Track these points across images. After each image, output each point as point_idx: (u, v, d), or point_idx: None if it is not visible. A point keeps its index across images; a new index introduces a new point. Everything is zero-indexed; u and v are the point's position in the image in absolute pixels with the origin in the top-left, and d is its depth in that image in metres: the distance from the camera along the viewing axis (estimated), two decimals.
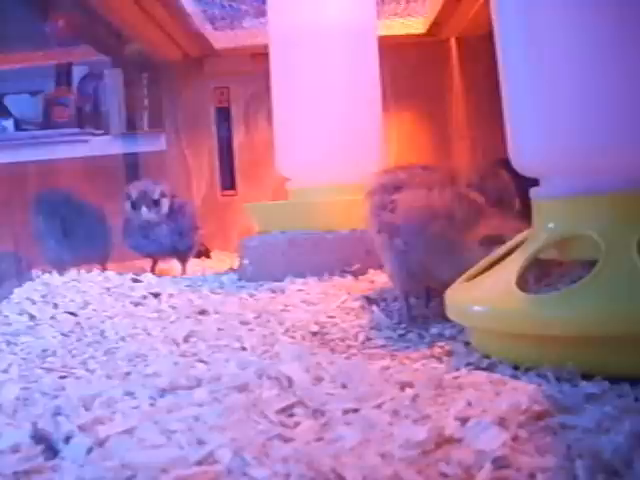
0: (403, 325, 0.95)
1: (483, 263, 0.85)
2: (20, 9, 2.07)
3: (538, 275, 0.78)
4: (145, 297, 1.25)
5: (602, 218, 0.71)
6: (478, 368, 0.72)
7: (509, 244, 0.84)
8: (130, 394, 0.68)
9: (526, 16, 0.75)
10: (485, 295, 0.75)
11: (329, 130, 1.50)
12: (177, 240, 1.64)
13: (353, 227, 1.37)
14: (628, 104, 0.69)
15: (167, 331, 0.98)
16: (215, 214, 2.18)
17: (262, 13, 1.81)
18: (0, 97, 2.31)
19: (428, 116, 2.20)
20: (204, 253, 1.95)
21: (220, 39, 2.12)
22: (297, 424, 0.57)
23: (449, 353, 0.79)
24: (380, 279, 1.28)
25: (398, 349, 0.84)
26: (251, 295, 1.22)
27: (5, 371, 0.82)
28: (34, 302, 1.23)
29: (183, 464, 0.49)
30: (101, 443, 0.55)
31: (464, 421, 0.54)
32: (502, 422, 0.52)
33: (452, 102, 2.20)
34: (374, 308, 1.05)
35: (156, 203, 1.61)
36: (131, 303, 1.20)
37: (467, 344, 0.81)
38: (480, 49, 1.96)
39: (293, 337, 0.92)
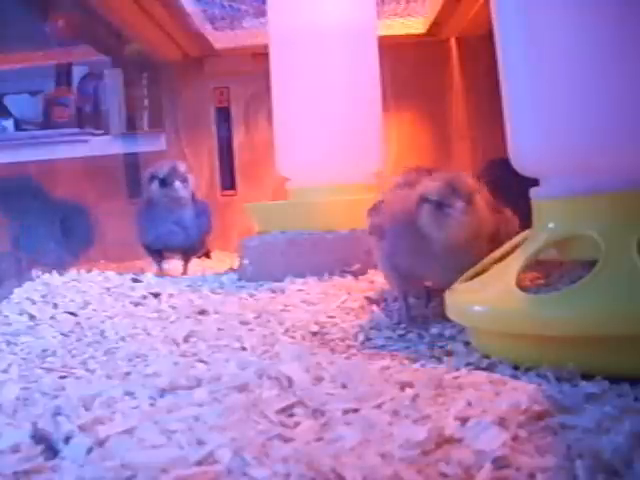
0: (403, 325, 0.95)
1: (483, 263, 0.85)
2: (20, 9, 2.07)
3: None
4: (145, 297, 1.25)
5: (602, 218, 0.71)
6: (478, 368, 0.72)
7: (509, 244, 0.84)
8: (130, 394, 0.68)
9: (526, 16, 0.75)
10: (485, 295, 0.75)
11: (329, 130, 1.50)
12: (200, 235, 1.63)
13: (353, 227, 1.37)
14: (628, 104, 0.69)
15: (167, 331, 0.98)
16: (215, 214, 2.18)
17: (262, 13, 1.81)
18: (0, 97, 2.31)
19: (428, 116, 2.20)
20: (204, 253, 1.95)
21: (220, 39, 2.12)
22: (297, 424, 0.57)
23: (449, 353, 0.79)
24: (380, 279, 1.27)
25: (398, 349, 0.84)
26: (251, 295, 1.22)
27: (5, 371, 0.82)
28: (34, 302, 1.23)
29: (183, 464, 0.49)
30: (101, 443, 0.55)
31: (464, 421, 0.54)
32: (502, 422, 0.52)
33: (452, 102, 2.20)
34: (374, 308, 1.06)
35: (185, 179, 1.56)
36: (131, 303, 1.20)
37: (467, 344, 0.81)
38: (480, 49, 1.96)
39: (293, 337, 0.92)
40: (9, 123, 2.25)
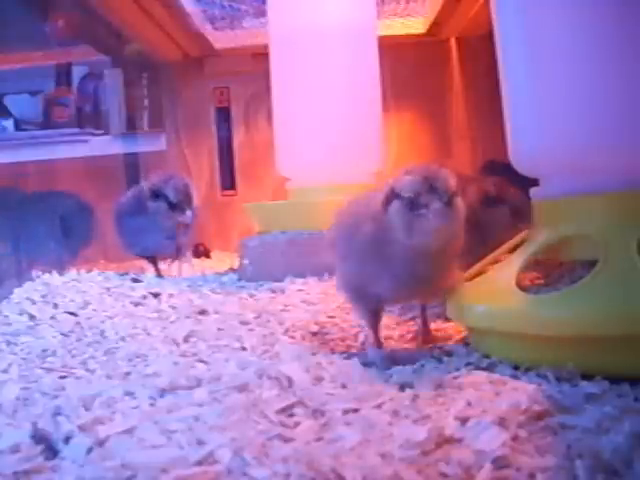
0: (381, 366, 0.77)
1: (483, 263, 0.85)
2: (20, 9, 2.07)
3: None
4: (145, 297, 1.25)
5: (602, 218, 0.71)
6: (478, 368, 0.72)
7: (509, 244, 0.84)
8: (130, 394, 0.68)
9: (525, 17, 0.75)
10: (485, 295, 0.75)
11: (329, 130, 1.50)
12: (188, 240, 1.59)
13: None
14: (627, 104, 0.69)
15: (167, 331, 0.98)
16: (215, 214, 2.18)
17: (262, 13, 1.81)
18: (0, 97, 2.31)
19: (428, 116, 2.20)
20: (204, 253, 1.95)
21: (220, 39, 2.12)
22: (297, 424, 0.57)
23: (449, 353, 0.79)
24: None
25: (398, 349, 0.83)
26: (251, 295, 1.22)
27: (5, 371, 0.82)
28: (34, 302, 1.23)
29: (183, 464, 0.49)
30: (101, 443, 0.55)
31: (464, 421, 0.54)
32: (502, 422, 0.52)
33: (452, 102, 2.20)
34: None
35: (192, 201, 1.48)
36: (131, 303, 1.20)
37: (467, 344, 0.81)
38: (480, 49, 1.97)
39: (293, 337, 0.92)
40: (9, 123, 2.25)
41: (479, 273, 0.84)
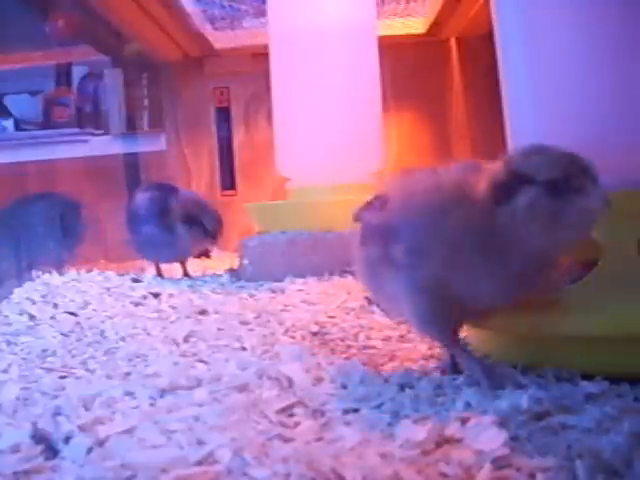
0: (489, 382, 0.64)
1: None
2: (20, 9, 2.07)
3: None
4: (145, 297, 1.25)
5: (602, 218, 0.71)
6: None
7: None
8: (130, 394, 0.68)
9: (526, 16, 0.75)
10: None
11: (329, 130, 1.50)
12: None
13: (353, 227, 1.37)
14: (627, 104, 0.70)
15: (167, 331, 0.98)
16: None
17: (262, 13, 1.81)
18: (0, 97, 2.31)
19: (428, 116, 2.20)
20: (204, 253, 1.95)
21: (220, 39, 2.12)
22: (297, 424, 0.57)
23: None
24: None
25: (398, 349, 0.84)
26: (251, 295, 1.22)
27: (5, 371, 0.82)
28: (34, 302, 1.23)
29: (183, 464, 0.49)
30: (101, 443, 0.55)
31: (464, 421, 0.54)
32: (502, 422, 0.52)
33: (452, 102, 2.20)
34: (374, 308, 1.05)
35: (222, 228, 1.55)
36: (131, 303, 1.20)
37: (467, 344, 0.81)
38: (480, 49, 1.96)
39: (293, 337, 0.92)
40: (9, 123, 2.26)
41: None
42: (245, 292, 1.25)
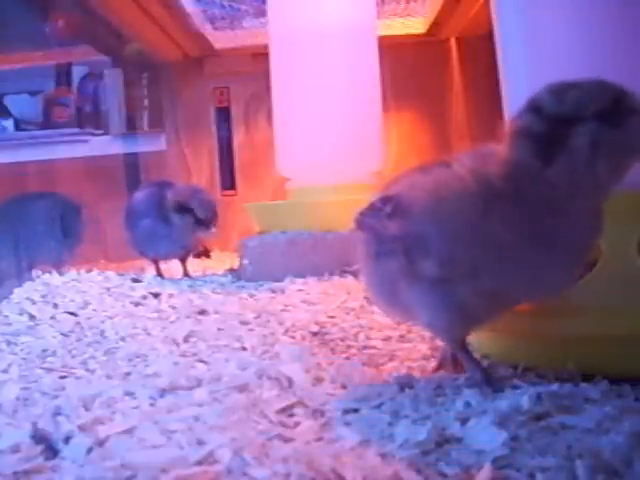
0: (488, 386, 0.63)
1: None
2: (20, 9, 2.07)
3: None
4: (145, 297, 1.25)
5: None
6: None
7: None
8: (130, 394, 0.68)
9: (526, 16, 0.75)
10: None
11: (329, 130, 1.50)
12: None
13: (353, 227, 1.37)
14: None
15: (167, 331, 0.98)
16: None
17: (262, 13, 1.81)
18: (0, 97, 2.31)
19: (428, 116, 2.20)
20: (204, 253, 1.95)
21: (220, 39, 2.12)
22: (297, 424, 0.57)
23: None
24: None
25: (398, 349, 0.84)
26: (251, 295, 1.22)
27: (5, 371, 0.82)
28: (34, 302, 1.23)
29: (183, 464, 0.49)
30: (101, 443, 0.55)
31: (464, 421, 0.54)
32: (502, 422, 0.52)
33: (452, 102, 2.20)
34: (374, 308, 1.05)
35: (217, 217, 1.51)
36: (131, 303, 1.21)
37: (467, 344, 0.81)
38: (480, 49, 1.96)
39: (293, 337, 0.92)
40: (9, 123, 2.26)
41: None
42: (245, 292, 1.25)
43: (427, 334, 0.88)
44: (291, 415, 0.59)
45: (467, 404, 0.58)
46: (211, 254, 2.00)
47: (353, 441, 0.52)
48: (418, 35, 2.16)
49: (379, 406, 0.60)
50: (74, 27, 2.13)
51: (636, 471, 0.44)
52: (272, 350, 0.84)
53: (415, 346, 0.84)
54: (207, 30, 2.03)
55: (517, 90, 0.78)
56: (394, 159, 1.98)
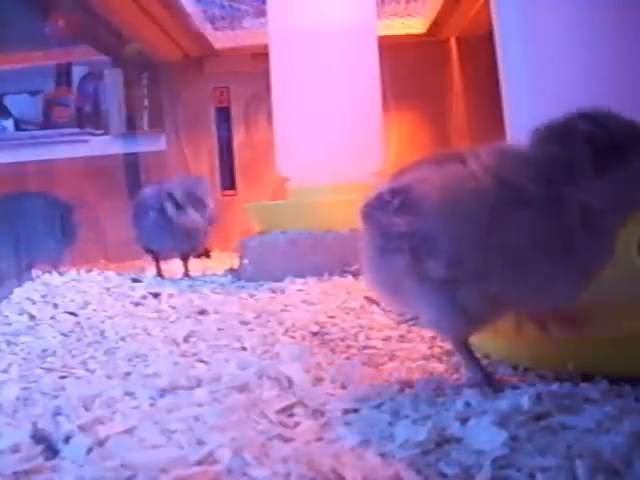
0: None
1: None
2: (20, 9, 2.07)
3: None
4: (145, 297, 1.25)
5: None
6: None
7: None
8: (130, 394, 0.68)
9: (526, 15, 0.75)
10: None
11: (329, 130, 1.50)
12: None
13: (353, 227, 1.37)
14: (628, 104, 0.69)
15: (167, 331, 0.98)
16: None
17: (262, 13, 1.81)
18: (0, 97, 2.31)
19: (428, 116, 2.20)
20: (204, 253, 1.95)
21: (220, 39, 2.12)
22: (297, 424, 0.57)
23: (449, 353, 0.79)
24: None
25: (398, 349, 0.84)
26: (251, 295, 1.22)
27: (5, 371, 0.82)
28: (34, 302, 1.23)
29: (183, 464, 0.49)
30: (101, 443, 0.55)
31: (464, 421, 0.54)
32: (502, 422, 0.52)
33: (452, 102, 2.20)
34: (374, 308, 1.05)
35: (200, 203, 1.49)
36: (131, 303, 1.21)
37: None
38: (480, 49, 1.96)
39: (293, 337, 0.92)
40: (9, 123, 2.26)
41: None
42: (245, 292, 1.25)
43: (427, 334, 0.88)
44: (291, 415, 0.59)
45: (467, 404, 0.58)
46: (211, 254, 2.00)
47: (353, 441, 0.52)
48: (418, 35, 2.16)
49: (379, 406, 0.60)
50: (74, 27, 2.13)
51: (636, 471, 0.44)
52: (272, 350, 0.84)
53: (415, 346, 0.84)
54: (207, 30, 2.03)
55: (517, 90, 0.78)
56: (394, 159, 1.97)
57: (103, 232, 2.00)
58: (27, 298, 1.26)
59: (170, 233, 1.51)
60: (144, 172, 2.22)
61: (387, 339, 0.88)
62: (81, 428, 0.58)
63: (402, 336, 0.90)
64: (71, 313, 1.13)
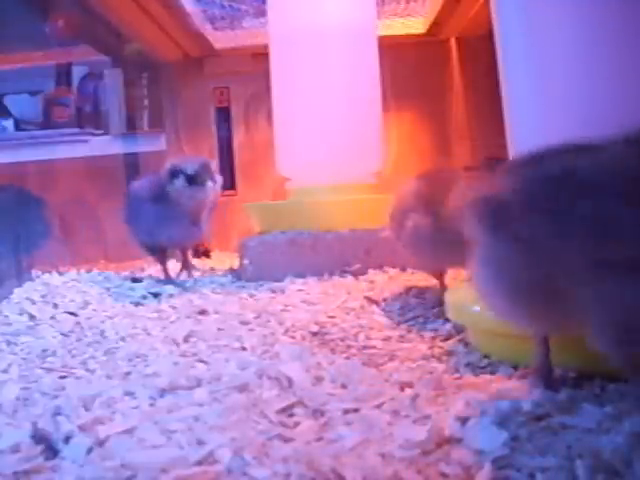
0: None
1: None
2: (20, 9, 2.07)
3: None
4: (145, 297, 1.25)
5: None
6: (478, 368, 0.72)
7: None
8: (130, 394, 0.68)
9: (526, 15, 0.75)
10: None
11: (329, 130, 1.50)
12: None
13: (353, 227, 1.37)
14: (628, 103, 0.69)
15: (167, 331, 0.98)
16: (215, 214, 2.18)
17: (262, 13, 1.81)
18: (0, 97, 2.31)
19: (428, 116, 2.19)
20: (204, 253, 1.95)
21: (220, 39, 2.12)
22: (297, 424, 0.57)
23: (449, 353, 0.79)
24: (380, 279, 1.28)
25: (398, 349, 0.84)
26: (251, 295, 1.22)
27: (5, 371, 0.82)
28: (34, 302, 1.23)
29: (183, 464, 0.49)
30: (101, 443, 0.55)
31: (464, 421, 0.54)
32: (502, 422, 0.52)
33: (452, 102, 2.20)
34: (374, 308, 1.06)
35: (214, 179, 1.38)
36: (131, 303, 1.21)
37: (467, 344, 0.81)
38: (480, 49, 1.96)
39: (293, 337, 0.92)
40: (9, 123, 2.26)
41: None
42: (245, 292, 1.25)
43: (427, 334, 0.88)
44: (291, 415, 0.59)
45: (467, 404, 0.58)
46: (211, 254, 2.00)
47: (353, 441, 0.52)
48: (418, 35, 2.15)
49: (379, 406, 0.60)
50: (74, 27, 2.13)
51: (636, 471, 0.44)
52: (272, 350, 0.84)
53: (415, 346, 0.84)
54: (207, 30, 2.03)
55: (517, 90, 0.78)
56: (394, 159, 1.98)
57: (103, 232, 2.00)
58: (27, 298, 1.26)
59: (173, 221, 1.39)
60: (144, 172, 2.22)
61: (387, 339, 0.88)
62: (81, 428, 0.58)
63: (402, 336, 0.90)
64: (71, 313, 1.13)
